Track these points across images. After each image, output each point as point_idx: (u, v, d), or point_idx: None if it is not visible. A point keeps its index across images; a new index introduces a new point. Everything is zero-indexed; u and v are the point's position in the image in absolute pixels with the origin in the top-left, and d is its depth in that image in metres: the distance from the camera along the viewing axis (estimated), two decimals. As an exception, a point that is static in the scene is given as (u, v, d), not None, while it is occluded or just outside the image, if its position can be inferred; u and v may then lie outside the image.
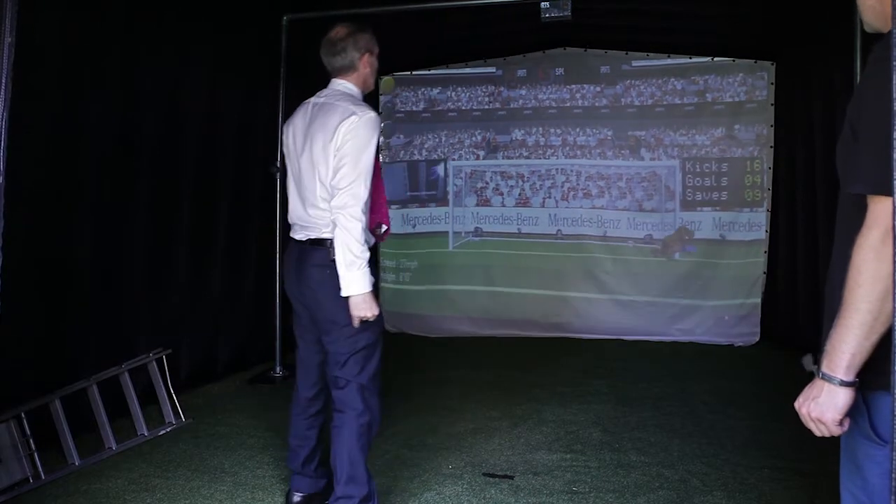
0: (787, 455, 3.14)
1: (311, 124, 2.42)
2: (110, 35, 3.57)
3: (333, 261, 2.31)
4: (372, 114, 2.35)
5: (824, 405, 1.25)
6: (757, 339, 5.80)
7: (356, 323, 2.33)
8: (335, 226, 2.31)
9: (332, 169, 2.32)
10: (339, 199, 2.28)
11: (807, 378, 1.34)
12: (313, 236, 2.42)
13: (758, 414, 3.84)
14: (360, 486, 2.42)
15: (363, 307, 2.31)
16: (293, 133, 2.52)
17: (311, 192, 2.40)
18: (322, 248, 2.38)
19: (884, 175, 1.16)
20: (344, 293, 2.30)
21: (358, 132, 2.29)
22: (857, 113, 1.27)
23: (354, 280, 2.29)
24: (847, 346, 1.22)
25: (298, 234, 2.50)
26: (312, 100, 2.51)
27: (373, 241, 2.46)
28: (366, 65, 2.49)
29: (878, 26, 1.39)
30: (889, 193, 1.16)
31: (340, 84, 2.48)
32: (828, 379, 1.25)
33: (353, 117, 2.31)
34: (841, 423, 1.26)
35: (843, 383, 1.23)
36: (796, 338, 5.16)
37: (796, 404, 1.31)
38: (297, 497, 2.64)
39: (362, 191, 2.29)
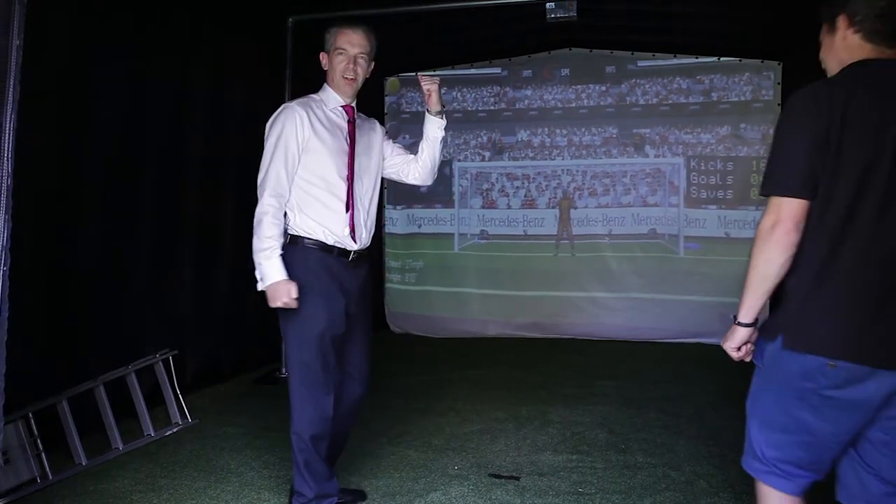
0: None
1: None
2: (116, 37, 3.58)
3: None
4: (283, 108, 2.47)
5: (728, 340, 1.77)
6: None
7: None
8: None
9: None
10: None
11: None
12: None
13: (765, 415, 3.82)
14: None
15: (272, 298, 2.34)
16: None
17: None
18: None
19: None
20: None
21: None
22: None
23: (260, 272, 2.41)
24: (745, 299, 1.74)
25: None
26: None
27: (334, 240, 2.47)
28: (322, 60, 2.55)
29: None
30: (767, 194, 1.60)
31: None
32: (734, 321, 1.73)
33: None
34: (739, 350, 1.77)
35: (740, 324, 1.71)
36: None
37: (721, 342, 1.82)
38: None
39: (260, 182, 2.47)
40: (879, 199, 1.50)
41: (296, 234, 2.45)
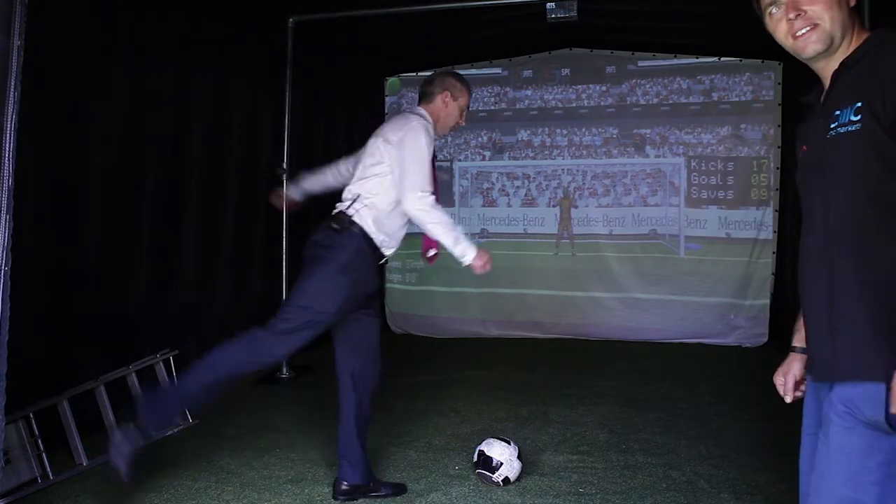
0: (795, 457, 3.11)
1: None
2: (117, 37, 3.58)
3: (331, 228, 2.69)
4: (426, 124, 2.81)
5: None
6: (765, 339, 5.77)
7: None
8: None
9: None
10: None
11: None
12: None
13: (765, 415, 3.82)
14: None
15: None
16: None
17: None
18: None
19: None
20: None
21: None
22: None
23: None
24: None
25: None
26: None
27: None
28: (442, 101, 2.91)
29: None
30: None
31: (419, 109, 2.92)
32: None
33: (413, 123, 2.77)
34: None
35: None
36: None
37: None
38: (344, 485, 2.76)
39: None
40: None
41: (364, 230, 2.66)
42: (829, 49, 1.38)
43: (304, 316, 2.54)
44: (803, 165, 1.47)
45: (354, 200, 2.67)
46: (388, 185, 2.67)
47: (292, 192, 3.19)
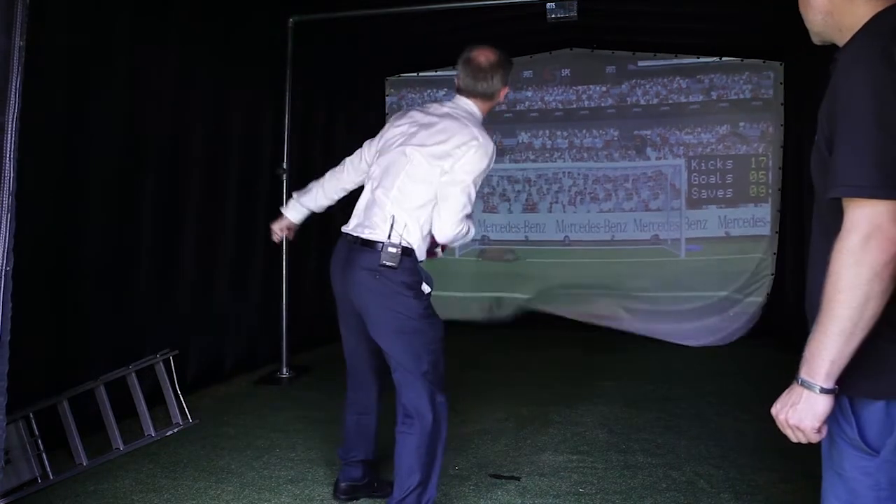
0: (796, 457, 3.11)
1: (427, 126, 2.44)
2: (118, 37, 3.58)
3: (383, 265, 2.30)
4: (491, 143, 2.39)
5: (803, 412, 1.22)
6: (765, 340, 5.77)
7: None
8: (391, 227, 2.33)
9: (430, 182, 2.36)
10: (446, 215, 2.35)
11: None
12: (365, 235, 2.39)
13: (765, 415, 3.77)
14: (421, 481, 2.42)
15: None
16: (402, 124, 2.53)
17: (388, 179, 2.41)
18: (372, 251, 2.34)
19: (863, 177, 1.13)
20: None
21: (477, 160, 2.35)
22: (832, 113, 1.21)
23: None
24: (827, 353, 1.19)
25: (351, 227, 2.47)
26: (435, 105, 2.57)
27: (424, 250, 2.47)
28: (501, 97, 2.56)
29: (830, 37, 1.36)
30: (869, 196, 1.13)
31: (469, 105, 2.52)
32: (807, 386, 1.21)
33: (475, 142, 2.35)
34: (819, 430, 1.23)
35: (824, 390, 1.20)
36: (804, 339, 5.12)
37: (773, 410, 1.28)
38: (344, 485, 2.74)
39: (462, 217, 2.37)
40: None
41: (407, 246, 2.37)
42: (827, 40, 1.37)
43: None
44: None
45: None
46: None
47: (291, 214, 2.82)
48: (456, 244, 2.44)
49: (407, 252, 2.34)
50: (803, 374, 1.22)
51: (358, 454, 2.73)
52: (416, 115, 2.54)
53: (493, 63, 2.48)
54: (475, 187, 2.39)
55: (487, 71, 2.47)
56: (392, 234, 2.32)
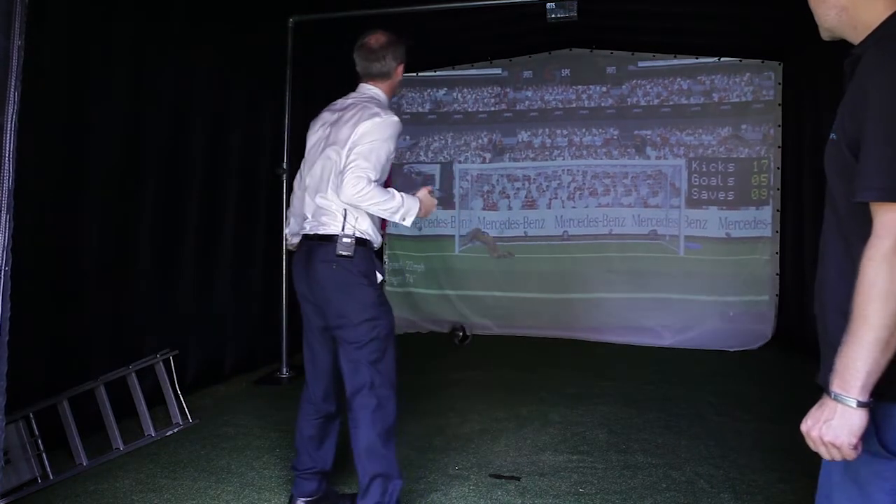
0: (796, 457, 3.12)
1: (336, 123, 2.50)
2: (117, 37, 3.58)
3: (340, 255, 2.38)
4: (394, 117, 2.45)
5: (838, 428, 1.14)
6: (765, 340, 5.76)
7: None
8: (344, 220, 2.39)
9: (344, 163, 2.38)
10: (346, 178, 2.30)
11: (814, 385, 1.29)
12: (321, 231, 2.46)
13: (766, 416, 3.82)
14: (383, 467, 2.43)
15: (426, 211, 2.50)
16: (317, 130, 2.59)
17: (324, 184, 2.46)
18: (329, 244, 2.42)
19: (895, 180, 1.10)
20: (408, 223, 2.45)
21: (376, 129, 2.38)
22: (859, 114, 1.18)
23: (404, 216, 2.41)
24: (862, 364, 1.12)
25: (307, 229, 2.52)
26: (340, 100, 2.60)
27: (380, 240, 2.54)
28: (399, 74, 2.60)
29: (842, 33, 1.34)
30: None
31: (370, 89, 2.57)
32: (841, 400, 1.14)
33: (377, 118, 2.40)
34: (856, 446, 1.15)
35: (861, 404, 1.13)
36: (804, 339, 5.13)
37: (804, 427, 1.20)
38: (300, 502, 2.63)
39: (371, 173, 2.32)
40: None
41: (361, 237, 2.44)
42: (838, 35, 1.34)
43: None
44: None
45: None
46: None
47: (296, 241, 2.70)
48: (368, 207, 2.34)
49: (361, 242, 2.43)
50: (836, 387, 1.15)
51: (315, 465, 2.64)
52: (325, 116, 2.60)
53: (382, 44, 2.54)
54: (381, 155, 2.37)
55: (378, 52, 2.53)
56: (346, 227, 2.41)
